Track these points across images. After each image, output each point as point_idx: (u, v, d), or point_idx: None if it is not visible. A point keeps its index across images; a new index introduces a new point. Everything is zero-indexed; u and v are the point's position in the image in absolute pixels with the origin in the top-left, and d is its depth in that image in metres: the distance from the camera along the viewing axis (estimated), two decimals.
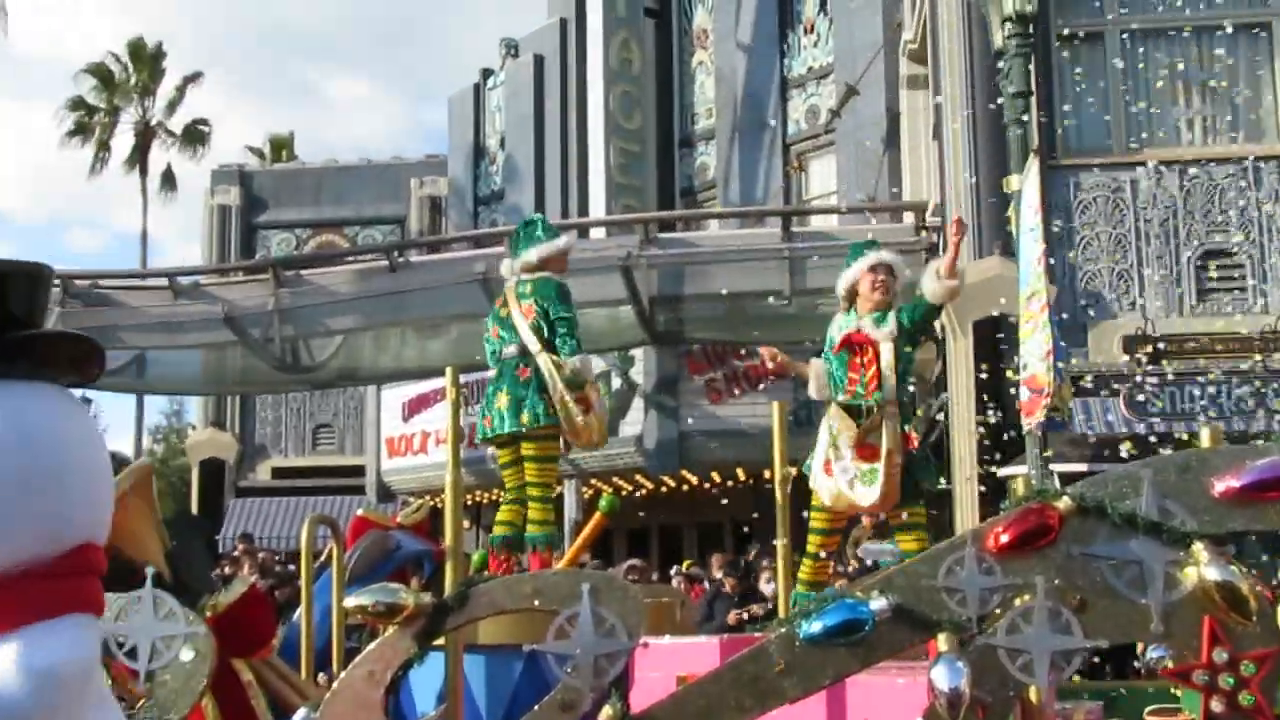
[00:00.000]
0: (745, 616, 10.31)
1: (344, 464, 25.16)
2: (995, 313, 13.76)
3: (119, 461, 6.70)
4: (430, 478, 18.83)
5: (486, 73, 26.30)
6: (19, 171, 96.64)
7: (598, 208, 20.97)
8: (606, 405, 6.62)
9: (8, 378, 2.44)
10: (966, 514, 12.96)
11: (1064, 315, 13.55)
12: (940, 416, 14.96)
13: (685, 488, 18.76)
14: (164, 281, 18.96)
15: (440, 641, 4.94)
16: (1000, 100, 12.34)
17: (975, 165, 14.77)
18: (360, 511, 7.42)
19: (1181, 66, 14.97)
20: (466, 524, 15.43)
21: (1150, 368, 13.90)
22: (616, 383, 17.34)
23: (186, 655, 4.49)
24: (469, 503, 19.29)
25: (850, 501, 6.44)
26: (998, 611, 4.22)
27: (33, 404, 2.44)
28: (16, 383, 2.45)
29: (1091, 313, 14.62)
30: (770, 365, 7.66)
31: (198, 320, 17.90)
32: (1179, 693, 5.10)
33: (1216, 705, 4.11)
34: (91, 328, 17.62)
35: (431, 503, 8.73)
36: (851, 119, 19.46)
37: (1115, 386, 13.78)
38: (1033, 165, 10.87)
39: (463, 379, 17.08)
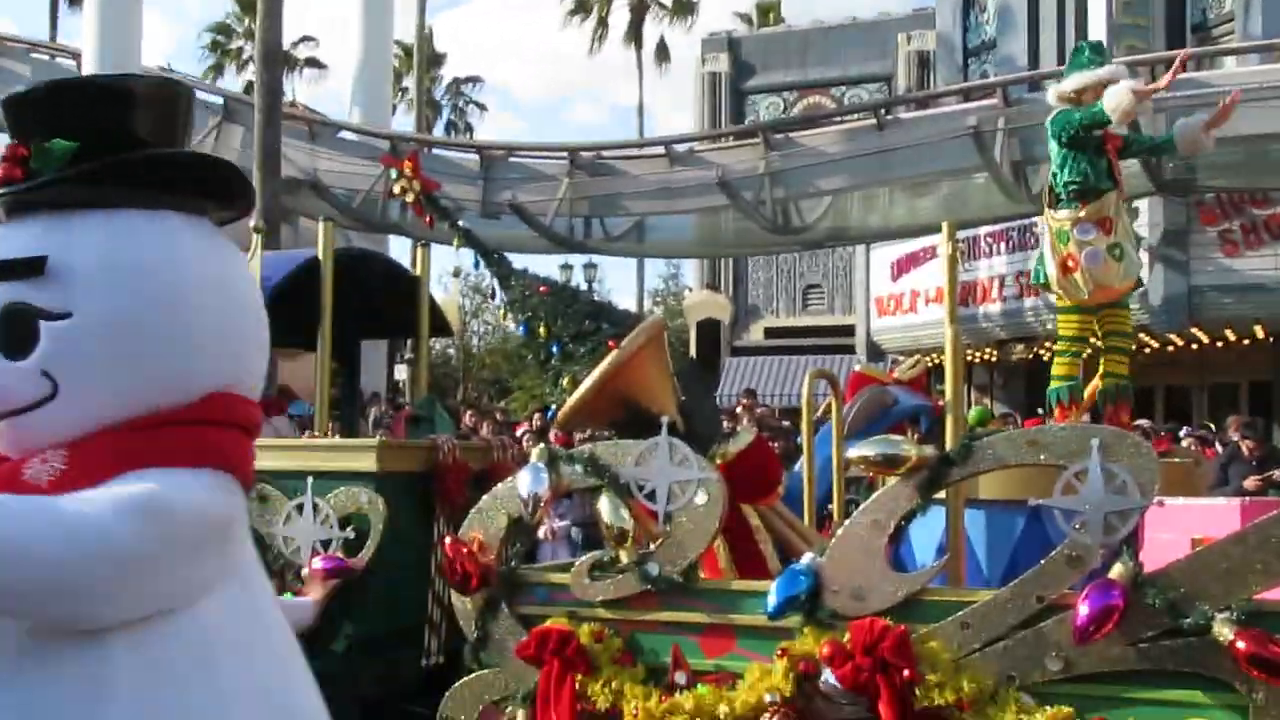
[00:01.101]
0: (1266, 481, 9.64)
1: (833, 324, 25.51)
2: None
3: (603, 312, 7.13)
4: (920, 336, 18.76)
5: None
6: (526, 51, 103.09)
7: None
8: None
9: (131, 205, 2.23)
10: None
11: None
12: None
13: (1195, 346, 17.65)
14: (660, 150, 19.74)
15: (941, 495, 4.99)
16: None
17: None
18: (858, 368, 7.53)
19: None
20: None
21: None
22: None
23: (700, 499, 4.74)
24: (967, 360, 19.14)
25: None
26: None
27: (150, 234, 2.21)
28: (137, 211, 2.23)
29: None
30: None
31: (693, 186, 18.56)
32: None
33: None
34: (595, 196, 18.78)
35: (926, 360, 8.69)
36: None
37: None
38: None
39: (958, 235, 16.81)
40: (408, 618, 6.05)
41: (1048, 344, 17.27)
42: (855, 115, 20.49)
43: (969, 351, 19.26)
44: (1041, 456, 4.38)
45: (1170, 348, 17.57)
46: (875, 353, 20.84)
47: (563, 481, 5.00)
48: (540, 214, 18.97)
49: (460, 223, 8.18)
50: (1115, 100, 5.83)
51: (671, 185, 18.82)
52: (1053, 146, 6.12)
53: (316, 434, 6.78)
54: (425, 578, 6.00)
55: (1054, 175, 6.17)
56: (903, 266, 20.02)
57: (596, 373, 5.65)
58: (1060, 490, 4.24)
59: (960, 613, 4.31)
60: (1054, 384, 6.33)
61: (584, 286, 29.26)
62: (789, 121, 24.59)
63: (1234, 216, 16.06)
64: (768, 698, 4.36)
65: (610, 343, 5.89)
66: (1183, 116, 6.92)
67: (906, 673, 4.15)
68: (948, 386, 5.32)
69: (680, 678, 4.61)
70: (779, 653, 4.40)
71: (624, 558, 4.85)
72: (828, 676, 4.28)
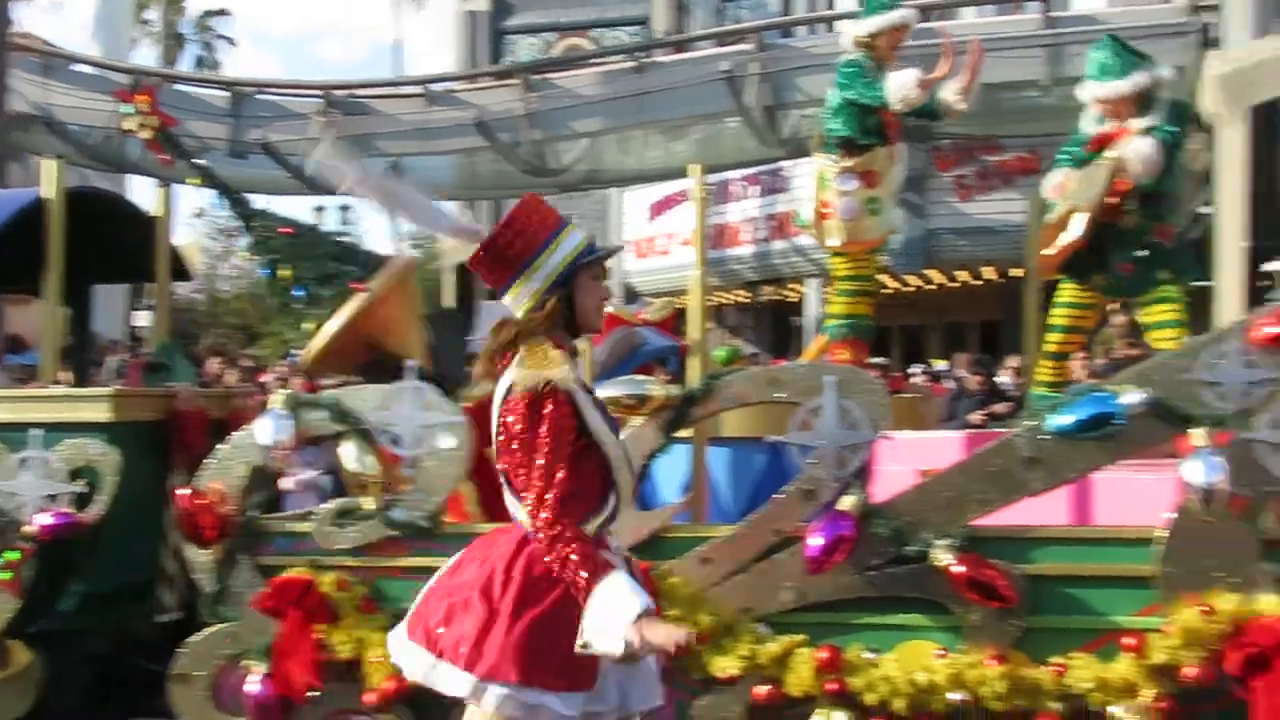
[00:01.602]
0: (989, 415, 10.15)
1: None
2: (1273, 97, 12.82)
3: (349, 254, 6.97)
4: (675, 278, 19.00)
5: None
6: None
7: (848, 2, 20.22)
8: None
9: None
10: (1230, 312, 12.34)
11: None
12: (1205, 209, 14.18)
13: (930, 287, 18.41)
14: (418, 90, 19.35)
15: (686, 433, 5.08)
16: None
17: None
18: (608, 309, 7.56)
19: None
20: (710, 324, 15.60)
21: None
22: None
23: (447, 442, 4.71)
24: (713, 303, 19.49)
25: None
26: (1260, 406, 4.07)
27: None
28: None
29: None
30: None
31: (450, 127, 18.24)
32: None
33: None
34: (350, 136, 18.28)
35: (675, 301, 8.81)
36: None
37: None
38: None
39: (708, 179, 16.99)
40: (143, 572, 5.82)
41: (794, 286, 17.78)
42: (614, 58, 20.50)
43: (721, 293, 19.62)
44: (780, 394, 4.50)
45: (907, 288, 18.27)
46: (631, 295, 21.03)
47: (305, 428, 4.88)
48: (292, 154, 18.37)
49: (200, 161, 7.84)
50: (900, 90, 5.95)
51: (429, 126, 18.46)
52: (832, 92, 6.20)
53: (44, 383, 6.44)
54: (161, 531, 5.78)
55: (826, 121, 6.24)
56: (658, 209, 20.22)
57: (342, 315, 5.52)
58: (796, 426, 4.38)
59: (701, 548, 4.41)
60: (828, 322, 6.43)
61: (338, 229, 28.64)
62: (547, 63, 24.37)
63: (967, 162, 16.75)
64: None
65: (356, 285, 5.75)
66: (921, 62, 6.97)
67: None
68: (692, 327, 5.40)
69: None
70: None
71: (369, 504, 4.78)
72: None
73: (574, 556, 3.00)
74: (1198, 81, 14.38)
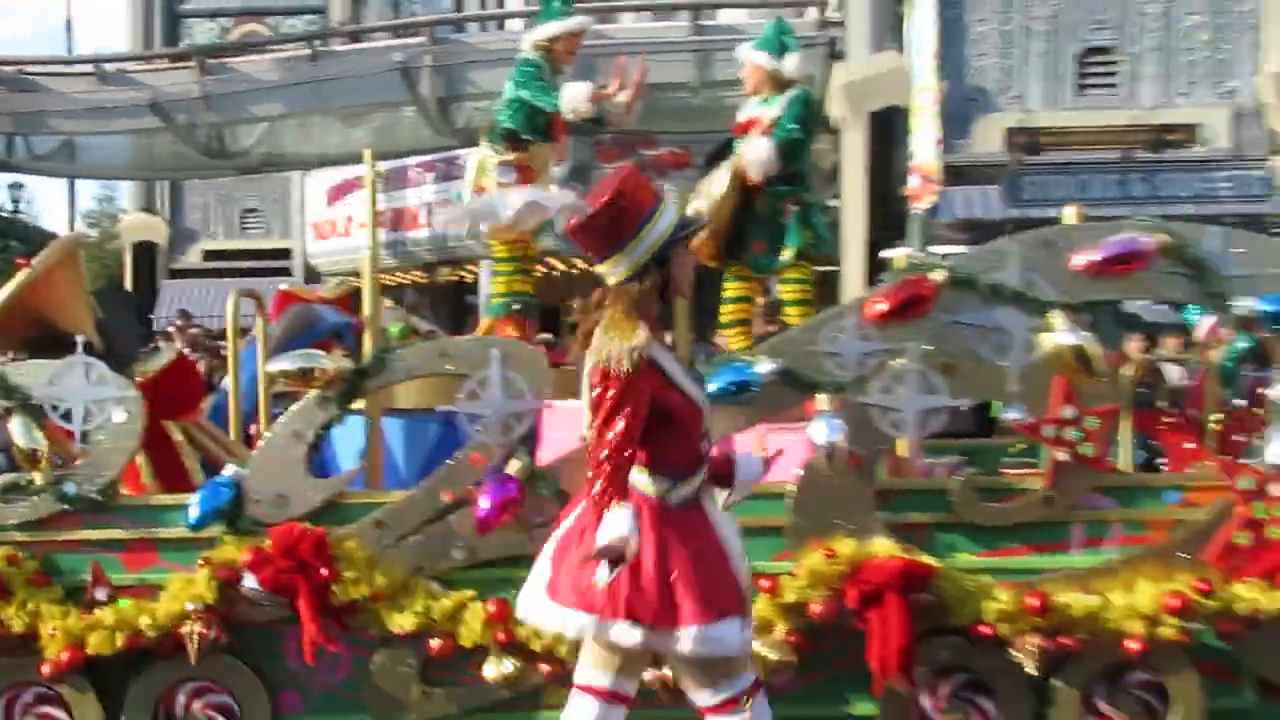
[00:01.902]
0: None
1: (272, 247, 24.68)
2: (888, 105, 13.71)
3: (13, 230, 6.52)
4: (355, 259, 18.58)
5: None
6: None
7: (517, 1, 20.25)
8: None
9: None
10: (854, 293, 13.15)
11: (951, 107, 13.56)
12: (833, 203, 15.03)
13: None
14: (89, 68, 18.16)
15: (362, 405, 5.00)
16: None
17: None
18: (283, 286, 7.33)
19: None
20: (389, 303, 15.35)
21: (1028, 158, 14.05)
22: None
23: (119, 416, 4.47)
24: (392, 283, 19.19)
25: None
26: (873, 373, 4.34)
27: None
28: None
29: (977, 107, 14.63)
30: None
31: (125, 107, 17.22)
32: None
33: (1061, 455, 4.30)
34: (20, 113, 16.96)
35: (351, 281, 8.61)
36: None
37: (995, 175, 13.93)
38: None
39: (383, 165, 16.63)
40: None
41: (470, 267, 17.70)
42: (290, 45, 19.79)
43: (400, 274, 19.36)
44: (449, 366, 4.49)
45: (575, 269, 18.51)
46: (313, 275, 20.44)
47: None
48: None
49: None
50: (573, 101, 5.94)
51: (102, 105, 17.36)
52: (509, 86, 6.14)
53: None
54: None
55: (498, 111, 6.18)
56: (338, 193, 19.70)
57: (6, 291, 5.13)
58: (465, 396, 4.37)
59: (376, 513, 4.35)
60: (492, 300, 6.37)
61: (8, 206, 26.55)
62: (224, 46, 23.33)
63: (627, 156, 17.09)
64: (190, 606, 4.22)
65: (21, 260, 5.34)
66: (584, 63, 6.97)
67: (325, 572, 4.14)
68: (366, 304, 5.31)
69: (101, 594, 4.34)
70: (201, 562, 4.26)
71: (39, 479, 4.49)
72: (249, 581, 4.19)
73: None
74: (826, 89, 15.24)
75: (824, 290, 5.27)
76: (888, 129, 13.85)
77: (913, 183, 10.31)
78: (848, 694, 4.35)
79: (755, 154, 5.70)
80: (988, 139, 14.49)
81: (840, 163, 15.06)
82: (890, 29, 14.10)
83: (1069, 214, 4.51)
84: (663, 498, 3.25)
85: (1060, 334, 4.25)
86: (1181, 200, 13.51)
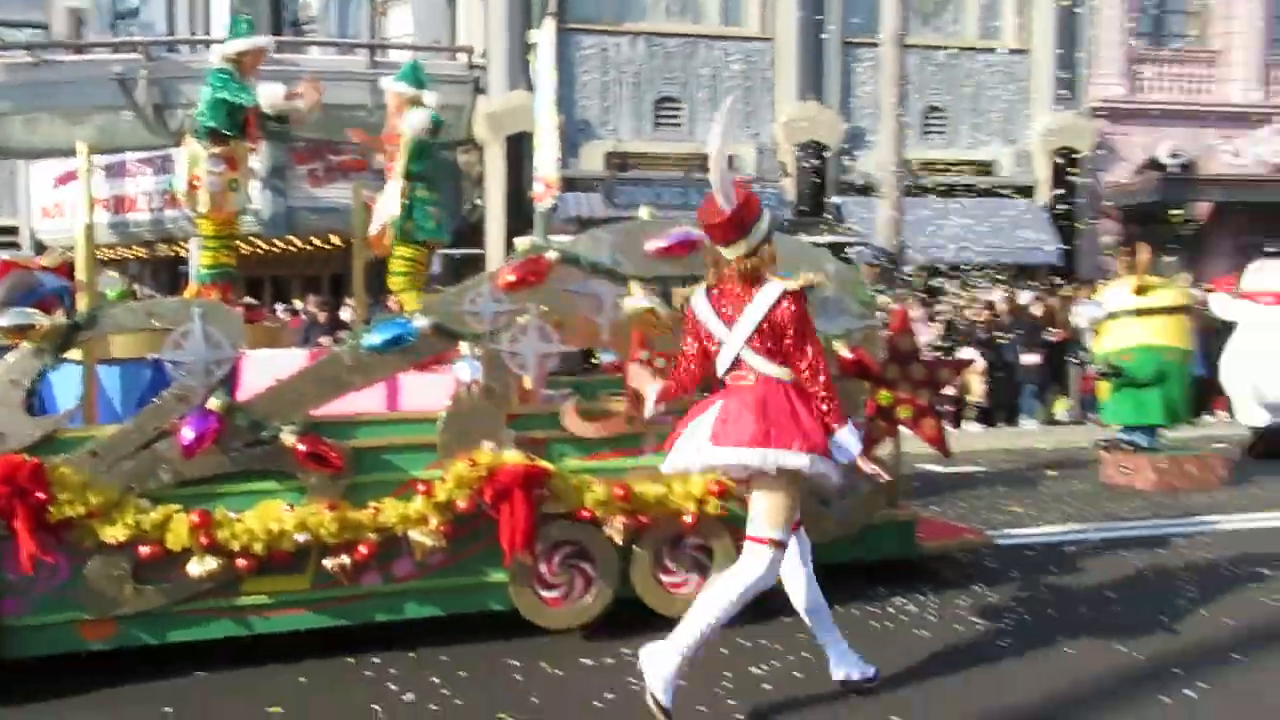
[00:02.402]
0: (335, 339, 9.95)
1: (2, 224, 21.62)
2: (520, 130, 13.66)
3: None
4: (77, 237, 16.59)
5: None
6: None
7: (220, 29, 18.54)
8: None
9: None
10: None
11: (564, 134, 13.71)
12: (479, 203, 14.87)
13: (293, 249, 17.64)
14: None
15: (80, 356, 4.44)
16: None
17: (509, 22, 14.38)
18: (5, 256, 6.37)
19: None
20: (112, 272, 13.87)
21: (620, 174, 14.41)
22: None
23: None
24: (115, 256, 17.33)
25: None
26: (503, 327, 4.29)
27: None
28: None
29: (584, 134, 14.84)
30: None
31: None
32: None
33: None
34: None
35: (67, 251, 7.57)
36: None
37: (596, 185, 14.19)
38: (548, 25, 10.61)
39: (105, 159, 14.96)
40: None
41: (182, 244, 16.23)
42: (17, 51, 17.23)
43: (124, 249, 17.56)
44: (155, 323, 4.05)
45: (276, 250, 17.38)
46: (40, 248, 18.05)
47: None
48: None
49: None
50: (270, 97, 5.49)
51: None
52: (207, 91, 5.58)
53: None
54: None
55: (200, 114, 5.63)
56: (63, 180, 17.45)
57: None
58: (170, 347, 3.96)
59: (89, 444, 3.87)
60: (201, 270, 5.82)
61: None
62: None
63: (317, 159, 16.19)
64: None
65: None
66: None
67: (40, 495, 3.65)
68: (81, 271, 4.71)
69: None
70: None
71: None
72: None
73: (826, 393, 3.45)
74: (473, 116, 14.99)
75: (476, 268, 5.12)
76: (521, 148, 13.81)
77: (537, 189, 10.29)
78: (487, 568, 4.32)
79: (412, 120, 5.51)
80: (592, 159, 14.74)
81: (484, 173, 14.90)
82: (522, 73, 14.05)
83: (644, 213, 4.62)
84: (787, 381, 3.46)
85: (637, 299, 4.36)
86: None
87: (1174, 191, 15.66)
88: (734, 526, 4.49)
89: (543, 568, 4.34)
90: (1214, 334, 11.34)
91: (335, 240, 16.88)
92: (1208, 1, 16.77)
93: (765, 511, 3.43)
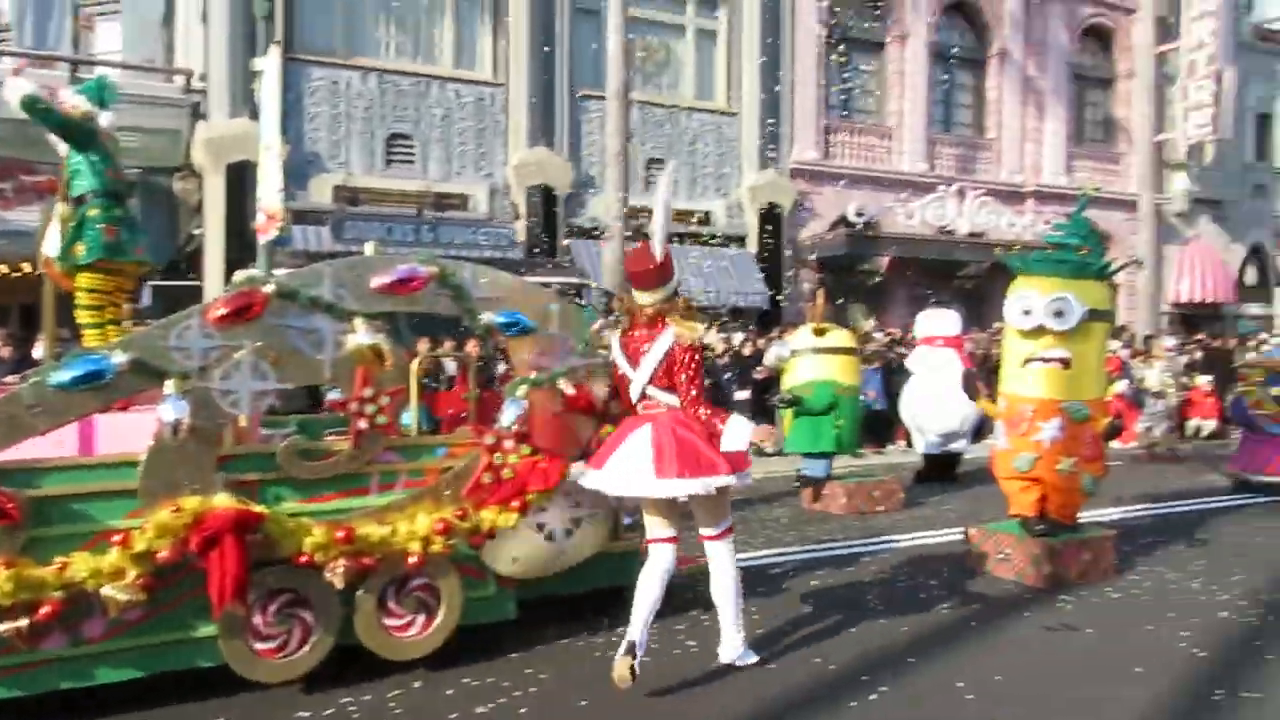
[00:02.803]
0: (22, 377, 8.80)
1: None
2: (243, 158, 12.86)
3: None
4: None
5: None
6: None
7: None
8: None
9: None
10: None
11: (293, 165, 13.05)
12: (198, 231, 13.83)
13: None
14: None
15: None
16: None
17: (232, 46, 13.54)
18: None
19: (389, 4, 14.84)
20: None
21: (350, 208, 13.89)
22: None
23: None
24: None
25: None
26: (214, 364, 3.97)
27: None
28: None
29: (312, 167, 14.22)
30: None
31: None
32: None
33: (363, 424, 4.23)
34: None
35: None
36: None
37: (324, 218, 13.61)
38: (274, 52, 10.07)
39: None
40: None
41: None
42: None
43: None
44: None
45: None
46: None
47: None
48: None
49: None
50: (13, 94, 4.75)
51: None
52: None
53: None
54: None
55: None
56: None
57: None
58: None
59: None
60: None
61: None
62: None
63: (8, 180, 14.41)
64: None
65: None
66: None
67: None
68: None
69: None
70: None
71: None
72: None
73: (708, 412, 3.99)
74: (191, 140, 13.94)
75: (194, 301, 4.62)
76: (244, 177, 12.98)
77: (260, 220, 9.70)
78: (194, 620, 3.95)
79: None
80: (321, 192, 14.11)
81: (203, 201, 13.87)
82: (245, 100, 13.25)
83: (369, 247, 4.45)
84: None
85: (361, 335, 4.19)
86: (456, 246, 14.14)
87: (859, 246, 17.26)
88: (461, 564, 4.41)
89: (257, 618, 4.02)
90: (894, 372, 12.58)
91: (26, 267, 15.08)
92: (884, 83, 18.76)
93: (711, 514, 4.17)
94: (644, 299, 4.03)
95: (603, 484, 4.08)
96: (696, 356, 4.00)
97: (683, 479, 3.90)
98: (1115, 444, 13.59)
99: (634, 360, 4.07)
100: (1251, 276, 23.33)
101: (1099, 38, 21.12)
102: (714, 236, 16.46)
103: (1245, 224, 22.84)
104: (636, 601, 4.00)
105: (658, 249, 3.97)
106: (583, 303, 13.59)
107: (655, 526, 4.15)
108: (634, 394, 4.09)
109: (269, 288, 4.10)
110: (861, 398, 8.85)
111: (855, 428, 8.59)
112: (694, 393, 3.97)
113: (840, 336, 8.67)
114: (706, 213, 16.79)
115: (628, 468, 3.98)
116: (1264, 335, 17.55)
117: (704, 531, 4.20)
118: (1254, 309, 23.20)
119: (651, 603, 4.00)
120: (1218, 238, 22.42)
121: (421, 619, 4.34)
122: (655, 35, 17.00)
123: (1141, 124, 19.32)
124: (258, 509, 3.91)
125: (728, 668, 4.29)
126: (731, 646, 4.29)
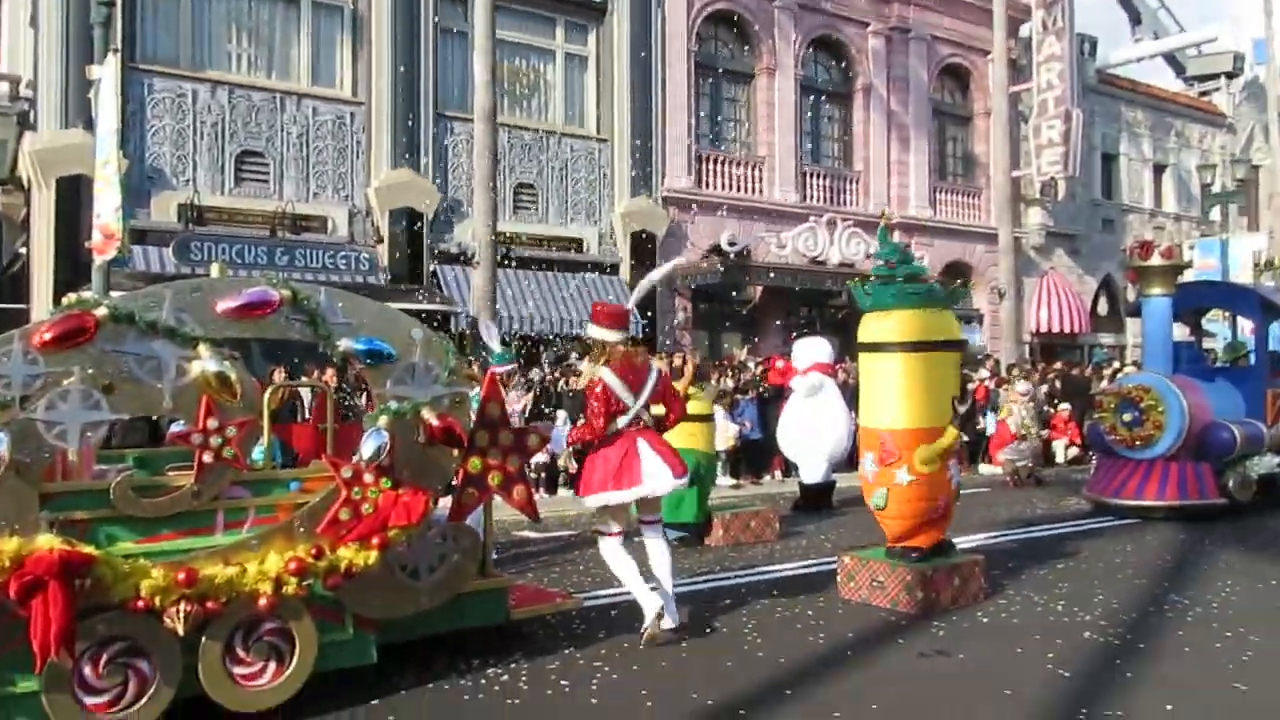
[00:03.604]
0: None
1: None
2: (76, 172, 12.20)
3: None
4: None
5: None
6: None
7: None
8: None
9: None
10: None
11: (134, 181, 12.45)
12: (23, 249, 13.02)
13: None
14: None
15: None
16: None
17: (66, 53, 12.87)
18: None
19: (241, 15, 14.40)
20: None
21: (196, 228, 13.35)
22: None
23: None
24: None
25: None
26: (38, 393, 3.73)
27: None
28: None
29: (155, 184, 13.60)
30: None
31: None
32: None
33: (208, 458, 4.04)
34: None
35: None
36: None
37: (168, 238, 13.03)
38: (111, 61, 9.64)
39: None
40: None
41: None
42: None
43: None
44: None
45: None
46: None
47: None
48: None
49: None
50: None
51: None
52: None
53: None
54: None
55: None
56: None
57: None
58: None
59: None
60: None
61: None
62: None
63: None
64: None
65: None
66: None
67: None
68: None
69: None
70: None
71: None
72: None
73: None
74: (18, 152, 13.16)
75: (19, 325, 4.37)
76: (77, 192, 12.30)
77: (96, 238, 9.22)
78: (12, 674, 3.66)
79: None
80: (165, 210, 13.49)
81: (30, 217, 13.08)
82: (80, 110, 12.57)
83: (215, 269, 4.28)
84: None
85: (206, 361, 4.01)
86: (313, 269, 13.75)
87: (732, 275, 17.63)
88: (315, 605, 4.24)
89: (86, 670, 3.76)
90: (769, 402, 12.86)
91: None
92: (754, 113, 19.32)
93: (659, 505, 5.54)
94: (611, 336, 5.29)
95: (638, 493, 5.22)
96: (672, 383, 5.71)
97: (680, 476, 5.28)
98: (983, 469, 14.30)
99: (633, 388, 5.26)
100: (1104, 307, 24.99)
101: (957, 77, 22.36)
102: (589, 264, 16.54)
103: (1096, 257, 24.49)
104: (624, 577, 5.42)
105: (632, 301, 5.68)
106: (465, 331, 13.40)
107: (615, 523, 5.39)
108: (628, 417, 5.26)
109: (102, 310, 3.89)
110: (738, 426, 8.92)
111: (706, 496, 8.60)
112: (676, 407, 5.54)
113: (702, 405, 8.67)
114: (579, 239, 16.86)
115: (652, 469, 5.21)
116: (1117, 363, 18.77)
117: (650, 518, 5.47)
118: (1106, 339, 24.84)
119: (636, 569, 5.37)
120: (1071, 270, 23.95)
121: (273, 666, 4.15)
122: (524, 59, 17.06)
123: (999, 160, 20.50)
124: (87, 550, 3.67)
125: (592, 711, 4.26)
126: (671, 612, 5.35)
